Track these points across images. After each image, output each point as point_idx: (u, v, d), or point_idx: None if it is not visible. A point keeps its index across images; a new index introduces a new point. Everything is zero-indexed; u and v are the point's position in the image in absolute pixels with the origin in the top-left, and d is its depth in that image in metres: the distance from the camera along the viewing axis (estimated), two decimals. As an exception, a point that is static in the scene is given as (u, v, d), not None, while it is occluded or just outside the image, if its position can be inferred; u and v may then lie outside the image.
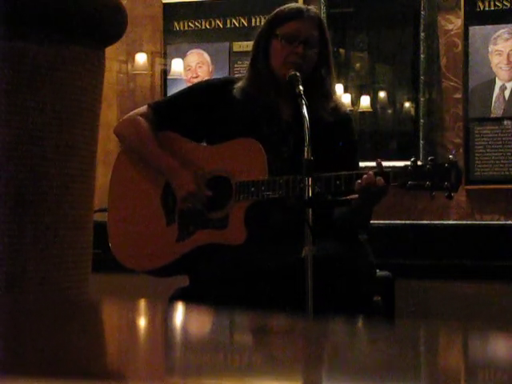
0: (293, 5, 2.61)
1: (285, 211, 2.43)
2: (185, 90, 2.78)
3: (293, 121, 2.52)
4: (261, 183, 2.42)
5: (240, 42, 4.76)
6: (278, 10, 2.58)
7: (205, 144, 2.62)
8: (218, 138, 2.55)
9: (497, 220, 4.23)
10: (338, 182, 2.30)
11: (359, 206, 2.35)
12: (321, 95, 2.49)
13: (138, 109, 2.68)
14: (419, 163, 2.28)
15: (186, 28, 4.96)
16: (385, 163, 2.33)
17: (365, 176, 2.25)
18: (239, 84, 2.57)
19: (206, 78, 4.86)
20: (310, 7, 2.64)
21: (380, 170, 2.26)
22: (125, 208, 2.65)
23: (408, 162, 2.29)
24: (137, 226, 2.61)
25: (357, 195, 2.36)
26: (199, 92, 2.64)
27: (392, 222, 3.95)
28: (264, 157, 2.43)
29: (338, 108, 2.57)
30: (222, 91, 2.58)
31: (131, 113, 2.69)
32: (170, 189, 2.58)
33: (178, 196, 2.52)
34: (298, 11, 2.53)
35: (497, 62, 4.37)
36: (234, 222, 2.45)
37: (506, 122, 4.35)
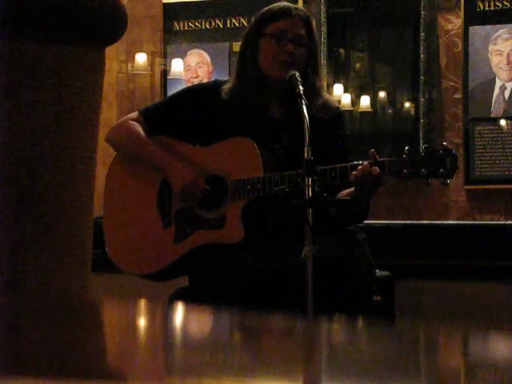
0: (281, 4, 2.59)
1: (283, 209, 2.43)
2: (174, 94, 2.79)
3: (285, 118, 2.52)
4: (256, 181, 2.42)
5: (240, 42, 4.76)
6: (265, 9, 2.58)
7: (198, 146, 2.62)
8: (210, 140, 2.55)
9: (497, 220, 4.23)
10: (333, 175, 2.31)
11: (355, 198, 2.35)
12: (310, 92, 2.49)
13: (128, 115, 2.69)
14: (414, 151, 2.28)
15: (186, 28, 4.97)
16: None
17: (360, 166, 2.26)
18: (227, 85, 2.57)
19: (206, 78, 4.86)
20: (298, 6, 2.65)
21: (374, 160, 2.26)
22: (121, 214, 2.65)
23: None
24: (134, 231, 2.61)
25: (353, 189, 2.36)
26: (188, 96, 2.64)
27: (392, 221, 3.95)
28: (258, 154, 2.44)
29: (327, 104, 2.58)
30: (209, 94, 2.58)
31: (121, 119, 2.70)
32: (165, 191, 2.58)
33: (176, 188, 2.51)
34: (286, 10, 2.53)
35: (497, 62, 4.38)
36: (231, 221, 2.45)
37: (505, 122, 4.35)
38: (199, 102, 2.59)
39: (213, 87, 2.62)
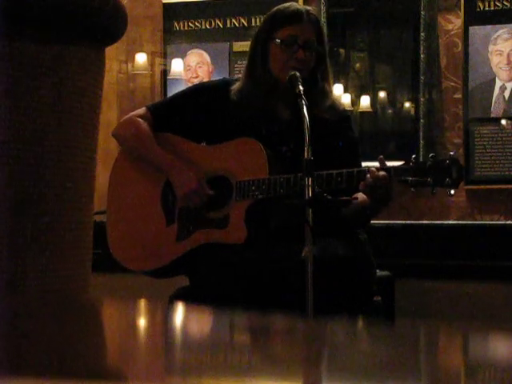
0: (291, 6, 2.54)
1: (286, 211, 2.43)
2: (182, 91, 2.77)
3: (292, 121, 2.51)
4: (261, 182, 2.42)
5: (240, 42, 4.76)
6: (275, 10, 2.54)
7: (204, 144, 2.62)
8: (216, 139, 2.55)
9: (497, 220, 4.22)
10: (339, 179, 2.31)
11: (372, 207, 2.36)
12: (318, 95, 2.49)
13: (136, 111, 2.68)
14: (420, 160, 2.30)
15: (186, 28, 4.96)
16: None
17: (368, 176, 2.26)
18: (236, 85, 2.56)
19: (206, 78, 4.86)
20: (308, 8, 2.60)
21: (382, 166, 2.27)
22: (124, 209, 2.65)
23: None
24: (137, 227, 2.61)
25: (358, 195, 2.36)
26: (196, 94, 2.63)
27: (392, 221, 3.95)
28: (264, 156, 2.43)
29: (335, 106, 2.57)
30: (219, 93, 2.57)
31: (129, 115, 2.69)
32: (170, 189, 2.57)
33: (179, 194, 2.51)
34: (297, 14, 2.49)
35: (497, 61, 4.37)
36: (235, 222, 2.45)
37: (505, 122, 4.35)
38: (207, 100, 2.58)
39: (222, 86, 2.61)
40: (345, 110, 2.66)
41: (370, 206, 2.37)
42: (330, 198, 2.26)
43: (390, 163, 2.32)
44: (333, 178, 2.31)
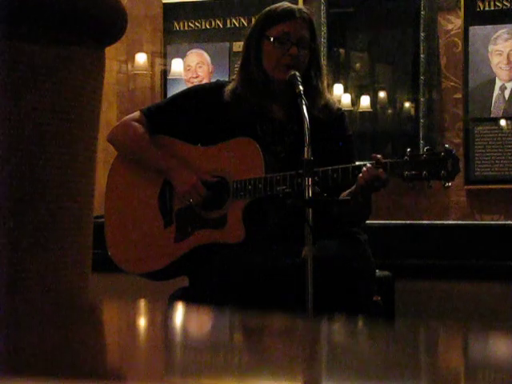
0: (284, 5, 2.56)
1: (284, 210, 2.43)
2: (177, 94, 2.77)
3: (287, 120, 2.52)
4: (258, 181, 2.42)
5: (240, 42, 4.75)
6: (268, 9, 2.56)
7: (200, 146, 2.62)
8: (212, 141, 2.55)
9: (497, 220, 4.22)
10: (335, 176, 2.31)
11: (356, 197, 2.34)
12: (312, 94, 2.49)
13: (130, 115, 2.68)
14: (415, 153, 2.28)
15: (186, 28, 4.96)
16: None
17: (364, 169, 2.25)
18: (230, 86, 2.57)
19: (206, 78, 4.86)
20: (301, 7, 2.62)
21: (377, 163, 2.26)
22: (122, 213, 2.65)
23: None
24: (135, 230, 2.61)
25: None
26: (191, 96, 2.63)
27: (392, 221, 3.95)
28: (260, 155, 2.44)
29: (330, 105, 2.57)
30: (213, 95, 2.58)
31: (123, 119, 2.70)
32: (167, 191, 2.58)
33: (180, 191, 2.51)
34: (290, 12, 2.50)
35: (497, 61, 4.37)
36: (233, 221, 2.45)
37: (505, 122, 4.35)
38: (201, 102, 2.59)
39: (215, 88, 2.61)
40: (339, 109, 2.66)
41: (354, 195, 2.34)
42: (329, 197, 2.27)
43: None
44: (328, 174, 2.31)
